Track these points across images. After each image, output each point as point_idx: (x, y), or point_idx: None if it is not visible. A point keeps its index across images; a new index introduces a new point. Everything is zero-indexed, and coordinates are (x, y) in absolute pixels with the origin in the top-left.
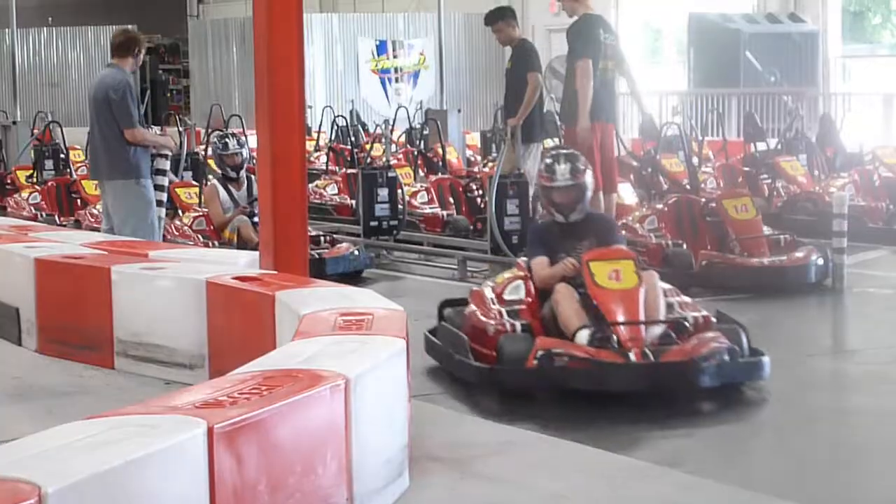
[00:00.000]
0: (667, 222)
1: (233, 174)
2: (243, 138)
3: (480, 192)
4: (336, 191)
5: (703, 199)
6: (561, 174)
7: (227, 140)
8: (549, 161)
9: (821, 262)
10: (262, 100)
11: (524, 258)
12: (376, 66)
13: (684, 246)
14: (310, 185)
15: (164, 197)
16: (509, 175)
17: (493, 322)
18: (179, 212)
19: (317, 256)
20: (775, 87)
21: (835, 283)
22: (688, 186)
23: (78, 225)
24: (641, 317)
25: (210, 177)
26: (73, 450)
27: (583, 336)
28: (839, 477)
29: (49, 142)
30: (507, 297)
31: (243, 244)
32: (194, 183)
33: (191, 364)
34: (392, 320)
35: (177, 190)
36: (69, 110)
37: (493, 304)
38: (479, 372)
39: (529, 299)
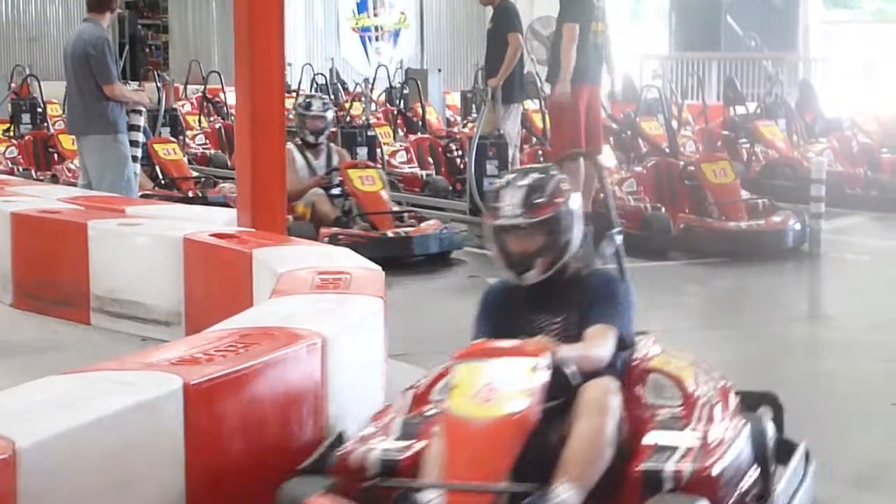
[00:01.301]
0: (645, 185)
1: (311, 139)
2: (328, 100)
3: (460, 152)
4: None
5: (682, 163)
6: (510, 206)
7: (311, 100)
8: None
9: (798, 227)
10: (241, 56)
11: None
12: (357, 24)
13: (663, 209)
14: (289, 143)
15: (139, 153)
16: (489, 136)
17: None
18: None
19: (403, 234)
20: (756, 52)
21: (812, 248)
22: (667, 150)
23: (55, 180)
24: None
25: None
26: (48, 405)
27: None
28: (814, 441)
29: (26, 96)
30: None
31: (318, 221)
32: (172, 139)
33: (167, 321)
34: (370, 280)
35: (155, 146)
36: (47, 64)
37: None
38: None
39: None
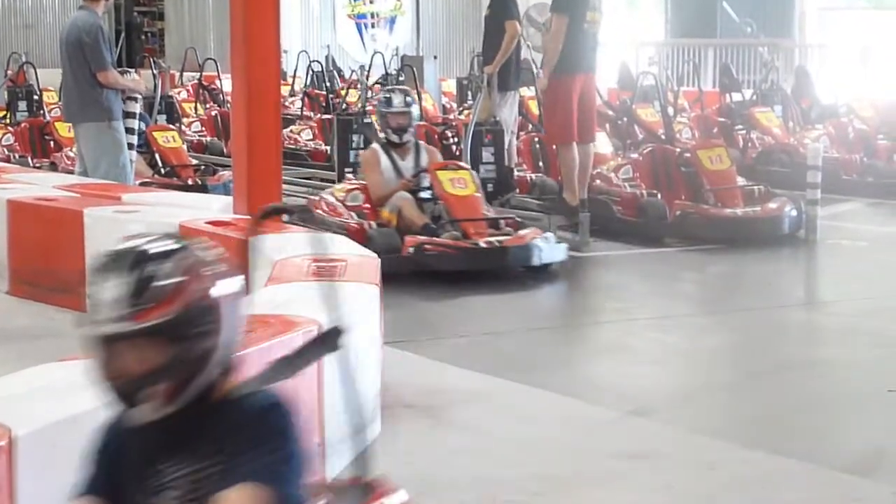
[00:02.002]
0: (642, 172)
1: (395, 138)
2: (414, 95)
3: (456, 139)
4: (311, 136)
5: (678, 150)
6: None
7: (391, 95)
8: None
9: (794, 213)
10: (237, 44)
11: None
12: (352, 10)
13: (659, 196)
14: (284, 131)
15: (135, 140)
16: (485, 123)
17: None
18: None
19: (497, 244)
20: (752, 39)
21: (808, 234)
22: (663, 136)
23: (54, 167)
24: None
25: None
26: (45, 392)
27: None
28: (808, 427)
29: (23, 83)
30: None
31: (405, 228)
32: (171, 126)
33: None
34: (365, 267)
35: (154, 133)
36: (43, 52)
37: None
38: None
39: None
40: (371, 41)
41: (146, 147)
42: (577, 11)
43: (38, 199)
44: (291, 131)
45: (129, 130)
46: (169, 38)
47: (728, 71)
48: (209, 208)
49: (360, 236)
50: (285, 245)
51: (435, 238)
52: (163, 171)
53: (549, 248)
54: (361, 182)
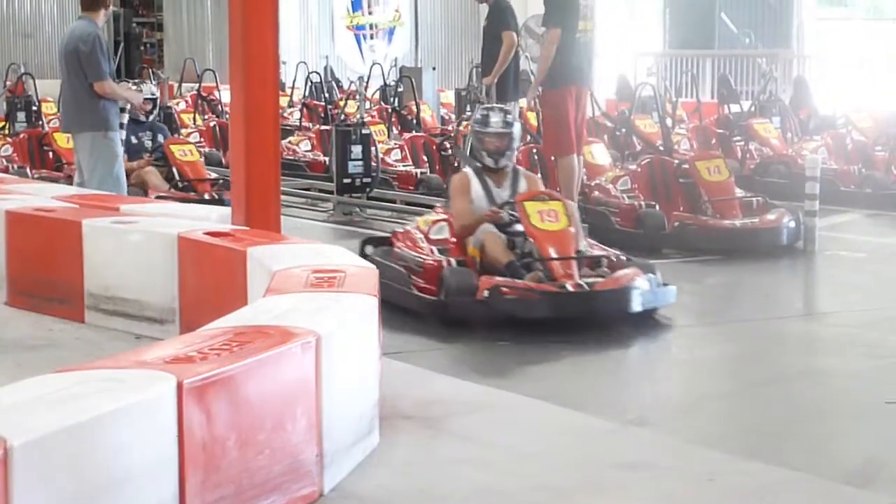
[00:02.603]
0: (640, 183)
1: (491, 162)
2: (514, 113)
3: (454, 150)
4: (309, 147)
5: (677, 161)
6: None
7: (489, 114)
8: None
9: (793, 224)
10: (235, 54)
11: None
12: (351, 22)
13: (657, 207)
14: (283, 142)
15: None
16: None
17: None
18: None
19: (587, 288)
20: (750, 50)
21: (806, 245)
22: (661, 147)
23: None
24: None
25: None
26: (41, 403)
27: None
28: (806, 438)
29: (21, 94)
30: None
31: (489, 266)
32: (189, 140)
33: (161, 319)
34: (364, 278)
35: (171, 147)
36: (42, 62)
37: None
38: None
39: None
40: (370, 52)
41: (163, 160)
42: (568, 22)
43: (36, 210)
44: (290, 142)
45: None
46: (168, 49)
47: (726, 82)
48: (208, 219)
49: (435, 275)
50: (284, 255)
51: (512, 279)
52: (180, 184)
53: (651, 292)
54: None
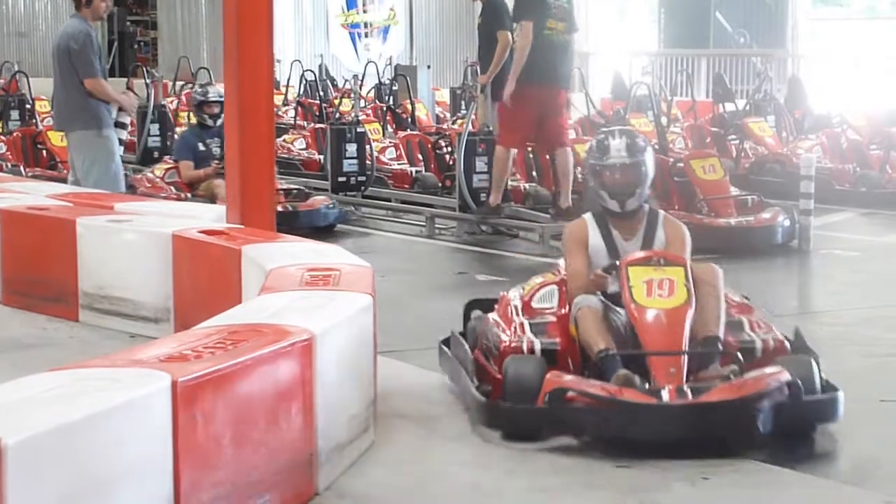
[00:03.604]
0: None
1: (615, 206)
2: (641, 137)
3: (449, 149)
4: (304, 146)
5: (672, 159)
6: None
7: (608, 139)
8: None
9: (787, 223)
10: (230, 53)
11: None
12: (346, 20)
13: None
14: (278, 140)
15: (121, 150)
16: (478, 132)
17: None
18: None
19: (689, 398)
20: (745, 49)
21: (801, 244)
22: (656, 146)
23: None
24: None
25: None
26: (36, 402)
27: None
28: (801, 437)
29: (15, 92)
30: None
31: (581, 350)
32: None
33: (156, 318)
34: (359, 276)
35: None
36: (36, 61)
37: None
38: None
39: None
40: (364, 50)
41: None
42: (539, 19)
43: (30, 209)
44: (285, 140)
45: (119, 142)
46: (162, 48)
47: (721, 81)
48: (202, 218)
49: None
50: (279, 254)
51: (586, 381)
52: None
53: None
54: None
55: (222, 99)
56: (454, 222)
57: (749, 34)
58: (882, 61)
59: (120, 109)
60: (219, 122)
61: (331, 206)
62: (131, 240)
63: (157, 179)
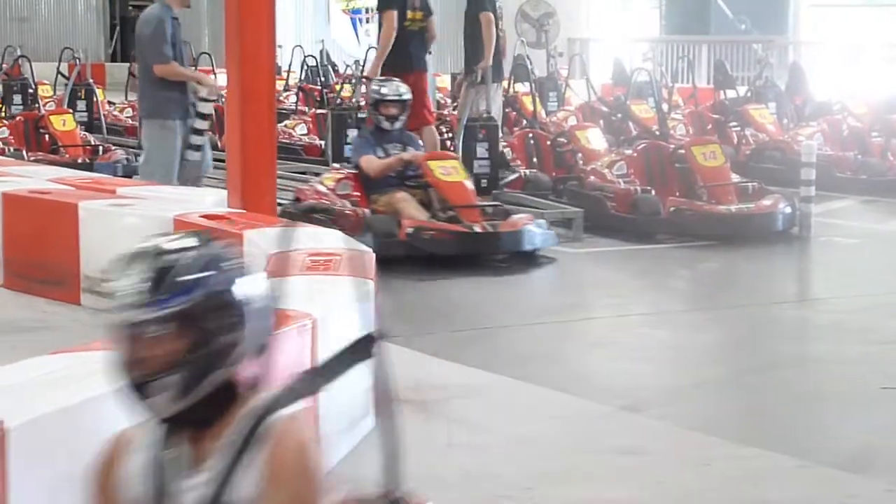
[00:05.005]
0: (635, 168)
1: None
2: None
3: (450, 134)
4: (305, 131)
5: (672, 146)
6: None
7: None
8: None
9: (788, 210)
10: (231, 39)
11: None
12: (347, 5)
13: (652, 192)
14: (279, 125)
15: (202, 140)
16: (478, 118)
17: (348, 208)
18: None
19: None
20: (746, 36)
21: (801, 231)
22: (657, 132)
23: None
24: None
25: None
26: (37, 385)
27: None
28: (800, 424)
29: (18, 76)
30: (339, 192)
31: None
32: (453, 155)
33: None
34: (359, 261)
35: (429, 164)
36: (38, 45)
37: (333, 196)
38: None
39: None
40: (366, 36)
41: (420, 183)
42: (401, 10)
43: (32, 192)
44: (286, 126)
45: (196, 131)
46: None
47: (722, 67)
48: (203, 202)
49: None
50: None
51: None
52: (442, 214)
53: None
54: None
55: (403, 97)
56: None
57: (750, 21)
58: (883, 48)
59: (204, 100)
60: (397, 124)
61: (541, 225)
62: (133, 223)
63: (328, 192)
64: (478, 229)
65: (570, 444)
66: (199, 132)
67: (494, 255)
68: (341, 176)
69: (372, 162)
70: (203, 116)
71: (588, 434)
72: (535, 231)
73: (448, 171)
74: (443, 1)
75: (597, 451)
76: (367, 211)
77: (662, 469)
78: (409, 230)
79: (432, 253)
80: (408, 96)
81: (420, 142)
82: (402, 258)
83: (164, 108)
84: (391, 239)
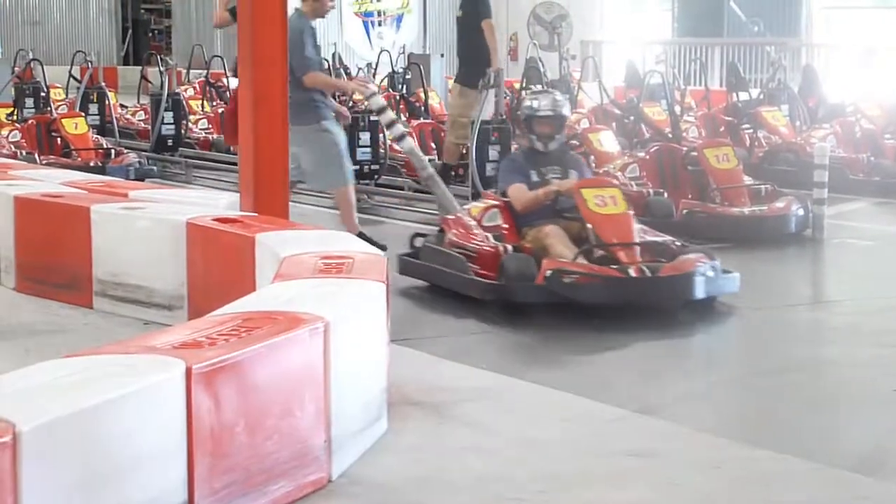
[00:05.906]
0: (648, 170)
1: (540, 146)
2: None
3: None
4: None
5: (685, 148)
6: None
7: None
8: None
9: (801, 212)
10: (244, 41)
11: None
12: (359, 8)
13: (665, 194)
14: None
15: (401, 130)
16: (491, 121)
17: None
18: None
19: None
20: (759, 38)
21: (815, 233)
22: (670, 135)
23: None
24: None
25: None
26: (50, 389)
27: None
28: (814, 426)
29: (30, 80)
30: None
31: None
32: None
33: (170, 305)
34: (372, 264)
35: (583, 191)
36: (50, 48)
37: (477, 229)
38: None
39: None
40: (378, 39)
41: (577, 215)
42: None
43: (45, 196)
44: None
45: (388, 125)
46: (176, 36)
47: (735, 70)
48: (216, 206)
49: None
50: (292, 242)
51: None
52: (596, 252)
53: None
54: None
55: (559, 112)
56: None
57: (763, 23)
58: None
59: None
60: (552, 144)
61: (713, 267)
62: (145, 227)
63: (473, 224)
64: (632, 272)
65: (583, 447)
66: (389, 125)
67: (652, 304)
68: (489, 204)
69: (519, 192)
70: (380, 112)
71: (601, 436)
72: (707, 275)
73: (604, 201)
74: (459, 3)
75: (609, 454)
76: (509, 248)
77: (674, 471)
78: (548, 273)
79: (573, 300)
80: (566, 111)
81: (586, 164)
82: (539, 305)
83: (316, 111)
84: (527, 283)
